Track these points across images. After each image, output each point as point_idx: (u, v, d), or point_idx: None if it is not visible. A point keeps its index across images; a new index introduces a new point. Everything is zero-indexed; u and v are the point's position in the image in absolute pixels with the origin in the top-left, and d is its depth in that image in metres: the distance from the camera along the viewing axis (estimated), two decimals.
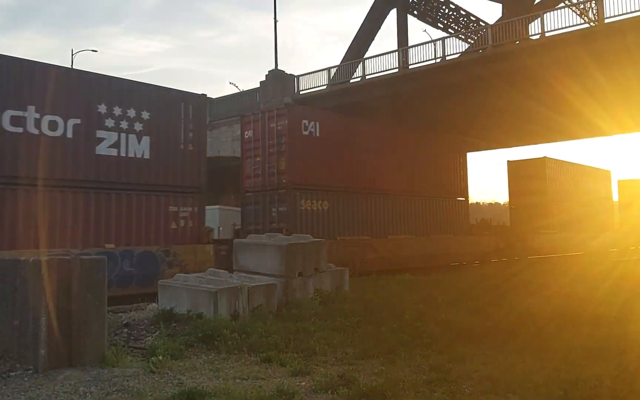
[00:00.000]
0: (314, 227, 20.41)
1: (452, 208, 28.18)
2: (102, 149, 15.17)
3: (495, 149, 41.24)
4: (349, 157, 22.91)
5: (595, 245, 35.83)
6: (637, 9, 21.42)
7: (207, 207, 25.47)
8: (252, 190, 21.50)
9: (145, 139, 16.06)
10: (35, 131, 13.87)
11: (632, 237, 39.76)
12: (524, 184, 35.07)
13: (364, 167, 23.52)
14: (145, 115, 16.08)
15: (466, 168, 30.20)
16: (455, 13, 38.95)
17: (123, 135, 15.59)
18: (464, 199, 29.21)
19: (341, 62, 33.13)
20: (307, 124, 21.26)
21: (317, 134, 21.50)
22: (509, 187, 36.70)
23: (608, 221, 44.15)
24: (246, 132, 22.25)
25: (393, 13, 35.60)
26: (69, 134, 14.52)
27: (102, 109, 15.23)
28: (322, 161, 21.62)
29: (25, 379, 6.49)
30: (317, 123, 21.57)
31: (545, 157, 36.20)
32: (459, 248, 27.17)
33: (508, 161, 36.42)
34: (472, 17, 39.18)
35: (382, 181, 24.20)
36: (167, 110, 16.75)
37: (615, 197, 48.52)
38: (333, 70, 31.85)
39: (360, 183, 23.23)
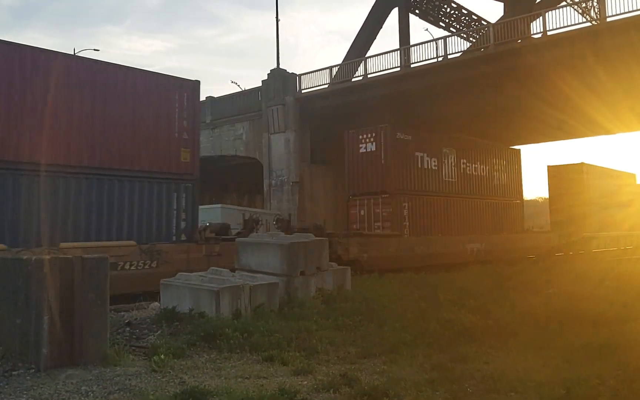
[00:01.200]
0: None
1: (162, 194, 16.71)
2: None
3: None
4: None
5: (475, 252, 26.03)
6: (639, 7, 21.42)
7: (210, 205, 25.16)
8: None
9: None
10: None
11: (562, 238, 32.14)
12: (360, 166, 24.37)
13: None
14: None
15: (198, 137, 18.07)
16: (456, 12, 39.01)
17: None
18: (191, 184, 17.28)
19: (343, 61, 33.17)
20: None
21: None
22: (346, 171, 25.38)
23: (516, 219, 32.33)
24: None
25: (395, 12, 35.65)
26: None
27: None
28: None
29: (28, 377, 6.50)
30: None
31: (386, 125, 24.36)
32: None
33: (345, 133, 25.15)
34: (473, 16, 39.23)
35: None
36: None
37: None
38: (335, 69, 31.90)
39: None
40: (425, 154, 25.63)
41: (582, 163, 35.94)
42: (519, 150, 33.43)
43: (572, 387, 5.90)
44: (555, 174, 36.01)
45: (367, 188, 24.10)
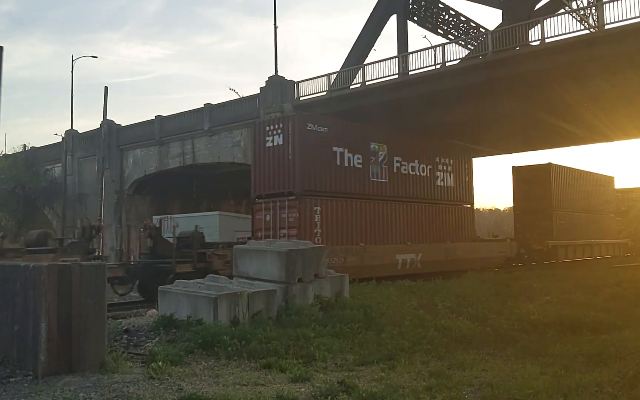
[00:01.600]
0: None
1: None
2: None
3: (499, 154, 40.40)
4: None
5: (408, 264, 22.50)
6: (637, 15, 21.50)
7: (207, 213, 24.79)
8: None
9: None
10: None
11: (523, 246, 29.11)
12: (266, 163, 20.91)
13: None
14: None
15: None
16: (455, 19, 39.04)
17: None
18: None
19: (341, 68, 33.21)
20: None
21: None
22: (252, 169, 21.99)
23: (464, 226, 27.59)
24: None
25: (393, 19, 35.70)
26: None
27: None
28: None
29: (25, 384, 6.49)
30: None
31: (294, 115, 21.97)
32: None
33: (254, 124, 22.46)
34: (472, 24, 39.27)
35: None
36: None
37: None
38: (333, 77, 31.92)
39: None
40: (346, 150, 21.68)
41: (550, 163, 32.81)
42: (470, 148, 30.01)
43: (570, 394, 5.91)
44: (520, 176, 32.63)
45: (273, 188, 20.48)
